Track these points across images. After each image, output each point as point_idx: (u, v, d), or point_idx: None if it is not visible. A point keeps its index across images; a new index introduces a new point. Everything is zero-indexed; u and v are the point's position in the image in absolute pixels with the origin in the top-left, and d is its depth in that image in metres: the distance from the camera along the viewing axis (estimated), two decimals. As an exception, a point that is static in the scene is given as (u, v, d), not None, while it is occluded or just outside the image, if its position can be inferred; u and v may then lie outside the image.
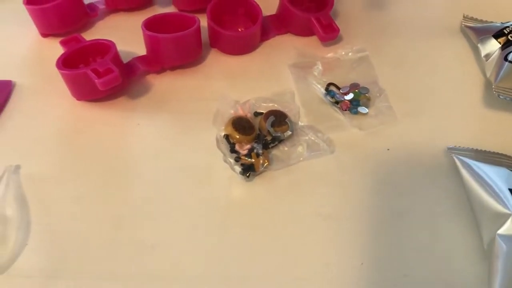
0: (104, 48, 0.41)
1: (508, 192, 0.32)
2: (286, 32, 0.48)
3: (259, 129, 0.39)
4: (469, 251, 0.33)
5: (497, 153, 0.37)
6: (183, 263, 0.32)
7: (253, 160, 0.37)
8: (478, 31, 0.46)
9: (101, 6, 0.49)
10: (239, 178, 0.36)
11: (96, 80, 0.37)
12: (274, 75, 0.44)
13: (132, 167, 0.37)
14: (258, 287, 0.31)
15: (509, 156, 0.36)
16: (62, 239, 0.33)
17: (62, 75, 0.40)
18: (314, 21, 0.45)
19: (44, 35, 0.47)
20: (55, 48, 0.45)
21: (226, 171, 0.37)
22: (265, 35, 0.47)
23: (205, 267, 0.32)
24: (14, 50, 0.46)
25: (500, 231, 0.30)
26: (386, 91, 0.42)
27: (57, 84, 0.42)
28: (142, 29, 0.42)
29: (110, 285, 0.31)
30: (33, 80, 0.43)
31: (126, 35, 0.46)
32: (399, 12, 0.50)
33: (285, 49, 0.46)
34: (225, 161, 0.37)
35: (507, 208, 0.31)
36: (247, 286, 0.31)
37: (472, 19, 0.49)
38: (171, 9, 0.50)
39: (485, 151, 0.37)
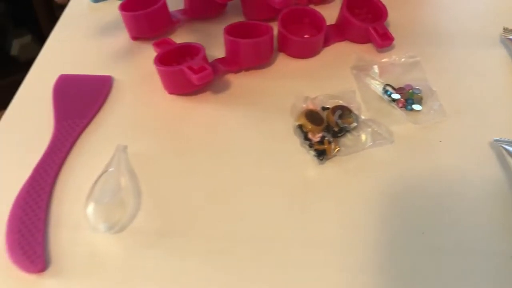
0: (193, 50, 0.48)
1: (550, 175, 0.37)
2: (344, 40, 0.54)
3: (327, 121, 0.45)
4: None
5: (538, 145, 0.42)
6: (268, 226, 0.38)
7: (325, 146, 0.43)
8: (518, 41, 0.52)
9: (181, 15, 0.56)
10: (314, 162, 0.42)
11: (193, 76, 0.44)
12: (336, 76, 0.50)
13: (220, 150, 0.43)
14: (331, 248, 0.37)
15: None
16: (168, 205, 0.39)
17: (159, 71, 0.46)
18: (372, 30, 0.52)
19: (134, 38, 0.54)
20: (144, 49, 0.52)
21: (302, 155, 0.43)
22: (326, 42, 0.53)
23: (287, 232, 0.38)
24: (110, 50, 0.53)
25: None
26: (436, 92, 0.48)
27: (149, 79, 0.49)
28: (224, 34, 0.49)
29: (208, 242, 0.37)
30: (128, 76, 0.50)
31: (201, 39, 0.52)
32: (445, 23, 0.57)
33: (344, 54, 0.53)
34: (302, 146, 0.43)
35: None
36: (324, 247, 0.37)
37: (511, 31, 0.54)
38: (241, 18, 0.57)
39: (527, 143, 0.43)
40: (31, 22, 1.83)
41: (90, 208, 0.37)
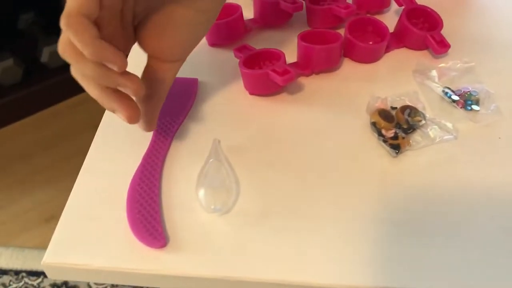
0: (272, 55, 0.53)
1: None
2: (403, 47, 0.59)
3: (397, 119, 0.50)
4: None
5: None
6: (351, 208, 0.43)
7: (399, 141, 0.48)
8: None
9: (252, 24, 0.61)
10: (388, 155, 0.47)
11: (278, 78, 0.49)
12: (399, 79, 0.55)
13: (303, 143, 0.49)
14: (408, 227, 0.42)
15: None
16: (264, 189, 0.44)
17: (245, 74, 0.52)
18: (430, 38, 0.57)
19: (212, 44, 0.59)
20: (222, 54, 0.58)
21: (378, 149, 0.48)
22: (387, 48, 0.58)
23: (368, 213, 0.43)
24: (192, 55, 0.58)
25: None
26: (493, 94, 0.53)
27: (231, 81, 0.54)
28: (298, 40, 0.54)
29: (301, 221, 0.42)
30: (211, 78, 0.55)
31: (271, 46, 0.57)
32: (497, 31, 0.62)
33: (404, 59, 0.58)
34: (378, 140, 0.48)
35: None
36: (401, 226, 0.42)
37: (555, 39, 0.59)
38: (305, 27, 0.62)
39: None
40: (60, 30, 1.88)
41: (202, 192, 0.42)
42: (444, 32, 0.58)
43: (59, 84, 1.68)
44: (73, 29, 0.35)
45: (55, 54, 1.77)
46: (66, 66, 0.38)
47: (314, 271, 0.39)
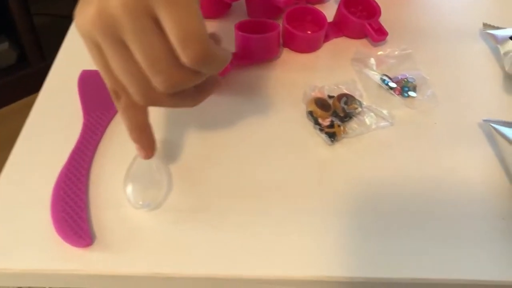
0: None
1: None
2: (342, 36, 0.59)
3: (334, 108, 0.50)
4: (503, 199, 0.43)
5: (520, 124, 0.48)
6: (289, 199, 0.42)
7: (335, 129, 0.47)
8: (497, 35, 0.58)
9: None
10: (325, 143, 0.47)
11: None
12: (338, 68, 0.55)
13: (239, 135, 0.48)
14: (346, 216, 0.41)
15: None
16: (196, 184, 0.43)
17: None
18: (368, 26, 0.57)
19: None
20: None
21: (315, 138, 0.47)
22: (326, 37, 0.58)
23: (305, 203, 0.42)
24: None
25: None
26: (428, 80, 0.54)
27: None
28: (235, 30, 0.53)
29: (235, 215, 0.41)
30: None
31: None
32: (432, 20, 0.62)
33: (343, 48, 0.58)
34: (314, 129, 0.48)
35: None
36: (339, 215, 0.41)
37: (490, 26, 0.61)
38: (245, 17, 0.61)
39: (511, 122, 0.48)
40: (8, 29, 1.83)
41: (129, 188, 0.41)
42: (383, 20, 0.58)
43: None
44: (211, 59, 0.31)
45: (2, 54, 1.73)
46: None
47: (247, 265, 0.38)
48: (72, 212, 0.40)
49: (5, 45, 1.74)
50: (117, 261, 0.38)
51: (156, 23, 0.30)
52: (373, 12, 0.58)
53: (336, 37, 0.59)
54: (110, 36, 0.30)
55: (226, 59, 0.34)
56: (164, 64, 0.30)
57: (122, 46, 0.31)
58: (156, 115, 0.49)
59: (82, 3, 0.31)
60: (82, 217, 0.39)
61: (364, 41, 0.59)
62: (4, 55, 1.75)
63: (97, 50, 0.32)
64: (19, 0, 1.79)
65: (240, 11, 0.62)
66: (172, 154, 0.45)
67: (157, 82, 0.31)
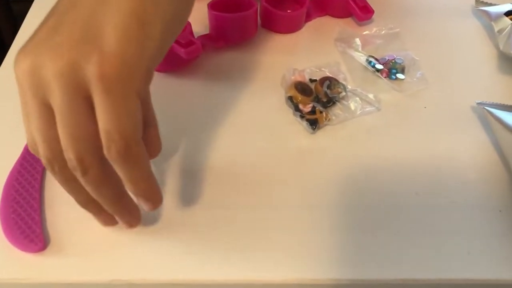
0: (178, 25, 0.48)
1: (531, 132, 0.39)
2: (325, 15, 0.55)
3: (316, 92, 0.46)
4: (499, 183, 0.40)
5: (517, 107, 0.44)
6: (267, 192, 0.38)
7: (317, 116, 0.43)
8: (491, 12, 0.54)
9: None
10: (306, 131, 0.43)
11: (181, 50, 0.44)
12: (321, 49, 0.51)
13: (215, 123, 0.43)
14: (327, 209, 0.38)
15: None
16: (168, 180, 0.39)
17: (146, 48, 0.46)
18: (352, 4, 0.53)
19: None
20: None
21: (295, 125, 0.43)
22: (308, 17, 0.54)
23: (285, 196, 0.38)
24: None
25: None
26: (418, 61, 0.50)
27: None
28: (208, 10, 0.49)
29: (214, 209, 0.37)
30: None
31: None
32: (421, -3, 0.59)
33: (326, 28, 0.53)
34: (294, 116, 0.44)
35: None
36: (320, 208, 0.38)
37: (483, 2, 0.57)
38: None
39: (506, 104, 0.45)
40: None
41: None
42: (368, -3, 0.54)
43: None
44: (133, 161, 0.29)
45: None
46: None
47: (218, 269, 0.34)
48: (24, 213, 0.36)
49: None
50: (74, 268, 0.34)
51: (89, 102, 0.27)
52: (358, -12, 0.54)
53: (319, 16, 0.55)
54: (37, 95, 0.27)
55: (154, 154, 0.34)
56: (83, 147, 0.27)
57: (46, 109, 0.28)
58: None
59: (23, 49, 0.28)
60: (34, 219, 0.35)
61: (348, 20, 0.55)
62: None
63: (24, 100, 0.29)
64: None
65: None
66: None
67: (70, 160, 0.28)
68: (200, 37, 0.50)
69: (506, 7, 0.53)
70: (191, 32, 0.47)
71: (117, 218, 0.34)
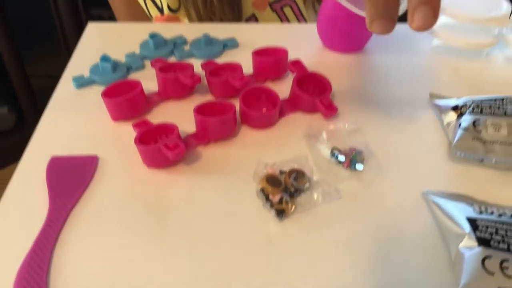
0: (168, 129, 0.56)
1: (465, 220, 0.46)
2: (297, 111, 0.63)
3: (285, 183, 0.53)
4: (441, 264, 0.46)
5: (458, 194, 0.51)
6: (237, 277, 0.45)
7: (283, 206, 0.50)
8: (441, 106, 0.62)
9: (156, 97, 0.65)
10: (275, 220, 0.50)
11: (168, 153, 0.52)
12: (292, 143, 0.59)
13: (195, 214, 0.51)
14: (296, 294, 0.44)
15: (465, 195, 0.51)
16: (151, 269, 0.46)
17: (139, 149, 0.54)
18: (319, 103, 0.61)
19: (115, 120, 0.62)
20: (125, 129, 0.60)
21: (265, 215, 0.51)
22: (281, 113, 0.62)
23: (254, 282, 0.45)
24: (95, 131, 0.60)
25: (460, 245, 0.44)
26: (375, 152, 0.57)
27: (131, 156, 0.56)
28: (194, 114, 0.58)
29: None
30: (112, 154, 0.57)
31: (175, 117, 0.61)
32: (380, 92, 0.67)
33: (297, 123, 0.62)
34: (264, 206, 0.51)
35: (463, 230, 0.45)
36: (288, 294, 0.44)
37: (436, 96, 0.65)
38: (209, 96, 0.66)
39: (450, 193, 0.51)
40: (8, 94, 1.90)
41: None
42: (335, 93, 0.63)
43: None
44: None
45: (1, 118, 1.81)
46: None
47: None
48: (32, 301, 0.42)
49: (4, 109, 1.82)
50: None
51: None
52: (324, 88, 0.63)
53: (292, 112, 0.63)
54: None
55: None
56: None
57: None
58: (112, 197, 0.52)
59: None
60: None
61: (318, 115, 0.63)
62: (3, 119, 1.83)
63: None
64: (15, 63, 1.88)
65: (204, 91, 0.66)
66: (116, 233, 0.48)
67: None
68: (187, 136, 0.58)
69: (453, 102, 0.61)
70: (178, 136, 0.55)
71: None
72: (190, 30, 0.80)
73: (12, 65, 1.89)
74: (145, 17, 1.00)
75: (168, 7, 0.93)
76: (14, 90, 1.91)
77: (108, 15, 1.81)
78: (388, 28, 0.39)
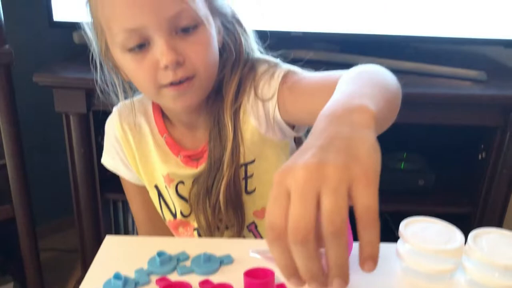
0: None
1: None
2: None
3: None
4: None
5: None
6: None
7: None
8: None
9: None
10: None
11: None
12: None
13: None
14: None
15: None
16: None
17: None
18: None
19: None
20: None
21: None
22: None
23: None
24: None
25: None
26: None
27: None
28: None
29: None
30: None
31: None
32: None
33: None
34: None
35: None
36: None
37: None
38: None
39: None
40: (16, 270, 1.96)
41: None
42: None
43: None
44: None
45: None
46: None
47: None
48: None
49: (10, 286, 1.87)
50: None
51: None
52: None
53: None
54: (315, 186, 0.47)
55: None
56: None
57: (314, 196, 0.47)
58: None
59: (305, 160, 0.49)
60: None
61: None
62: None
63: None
64: (30, 237, 1.96)
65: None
66: None
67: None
68: None
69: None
70: None
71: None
72: (192, 246, 0.92)
73: (26, 239, 1.96)
74: (153, 208, 1.14)
75: (181, 212, 1.08)
76: (23, 267, 1.96)
77: (122, 199, 1.96)
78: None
